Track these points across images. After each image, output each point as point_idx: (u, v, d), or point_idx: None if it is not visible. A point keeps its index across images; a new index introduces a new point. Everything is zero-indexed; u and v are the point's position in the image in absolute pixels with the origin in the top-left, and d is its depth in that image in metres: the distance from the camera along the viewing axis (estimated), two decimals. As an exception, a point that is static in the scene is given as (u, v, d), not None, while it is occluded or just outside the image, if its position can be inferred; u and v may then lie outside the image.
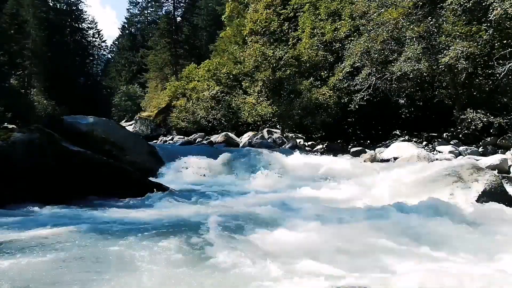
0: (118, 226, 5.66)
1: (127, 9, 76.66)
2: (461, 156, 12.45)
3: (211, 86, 25.18)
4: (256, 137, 18.89)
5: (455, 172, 7.93)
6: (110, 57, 60.76)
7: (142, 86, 44.82)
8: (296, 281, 3.79)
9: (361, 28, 16.83)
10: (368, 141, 17.17)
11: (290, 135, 19.63)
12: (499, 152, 12.33)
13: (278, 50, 20.12)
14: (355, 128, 18.26)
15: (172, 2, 46.23)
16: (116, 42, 59.86)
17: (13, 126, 9.34)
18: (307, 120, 18.53)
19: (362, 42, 16.09)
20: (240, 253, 4.50)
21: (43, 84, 32.85)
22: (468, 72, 14.03)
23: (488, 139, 13.70)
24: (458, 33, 13.42)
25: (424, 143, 15.00)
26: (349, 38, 17.65)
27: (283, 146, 17.49)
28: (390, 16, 14.72)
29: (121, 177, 8.32)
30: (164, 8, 51.94)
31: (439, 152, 13.18)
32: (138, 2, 56.91)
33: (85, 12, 58.39)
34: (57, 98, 31.67)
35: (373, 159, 12.98)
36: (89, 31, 50.06)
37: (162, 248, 4.66)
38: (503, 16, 12.19)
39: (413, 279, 3.69)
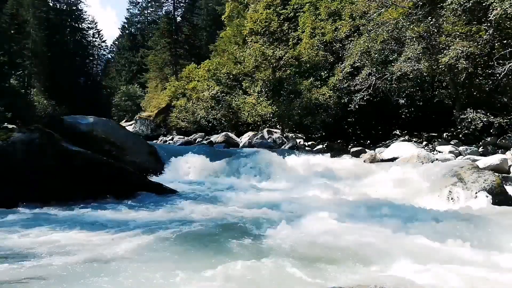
0: (118, 226, 5.66)
1: (127, 9, 76.73)
2: (461, 156, 12.45)
3: (211, 86, 25.14)
4: (256, 137, 18.88)
5: (455, 172, 7.94)
6: (110, 57, 60.72)
7: (142, 86, 44.76)
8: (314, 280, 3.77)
9: (361, 28, 16.82)
10: (368, 141, 17.15)
11: (290, 135, 19.62)
12: (499, 152, 12.31)
13: (278, 50, 20.11)
14: (355, 128, 18.23)
15: (172, 2, 46.15)
16: (116, 42, 59.85)
17: (13, 126, 9.33)
18: (307, 120, 18.53)
19: (362, 42, 16.08)
20: (242, 253, 4.50)
21: (43, 84, 32.86)
22: (468, 72, 14.00)
23: (488, 139, 13.69)
24: (458, 33, 13.41)
25: (424, 143, 14.99)
26: (349, 38, 17.64)
27: (283, 146, 17.48)
28: (390, 16, 14.71)
29: (121, 177, 8.32)
30: (164, 8, 51.96)
31: (439, 152, 13.17)
32: (138, 2, 56.91)
33: (85, 12, 58.53)
34: (57, 98, 31.71)
35: (373, 159, 12.97)
36: (89, 31, 50.14)
37: (162, 249, 4.66)
38: (503, 16, 12.18)
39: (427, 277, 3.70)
